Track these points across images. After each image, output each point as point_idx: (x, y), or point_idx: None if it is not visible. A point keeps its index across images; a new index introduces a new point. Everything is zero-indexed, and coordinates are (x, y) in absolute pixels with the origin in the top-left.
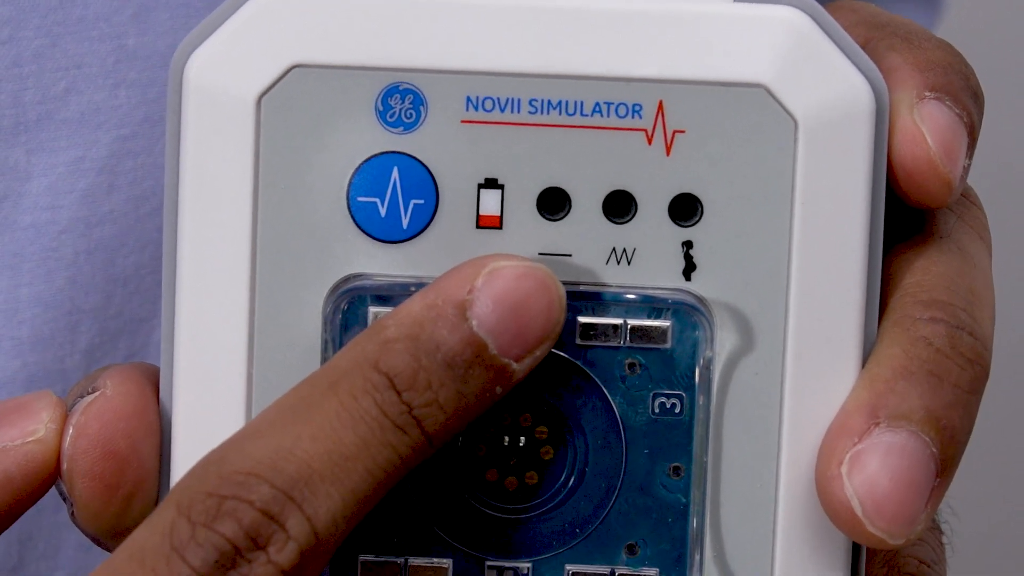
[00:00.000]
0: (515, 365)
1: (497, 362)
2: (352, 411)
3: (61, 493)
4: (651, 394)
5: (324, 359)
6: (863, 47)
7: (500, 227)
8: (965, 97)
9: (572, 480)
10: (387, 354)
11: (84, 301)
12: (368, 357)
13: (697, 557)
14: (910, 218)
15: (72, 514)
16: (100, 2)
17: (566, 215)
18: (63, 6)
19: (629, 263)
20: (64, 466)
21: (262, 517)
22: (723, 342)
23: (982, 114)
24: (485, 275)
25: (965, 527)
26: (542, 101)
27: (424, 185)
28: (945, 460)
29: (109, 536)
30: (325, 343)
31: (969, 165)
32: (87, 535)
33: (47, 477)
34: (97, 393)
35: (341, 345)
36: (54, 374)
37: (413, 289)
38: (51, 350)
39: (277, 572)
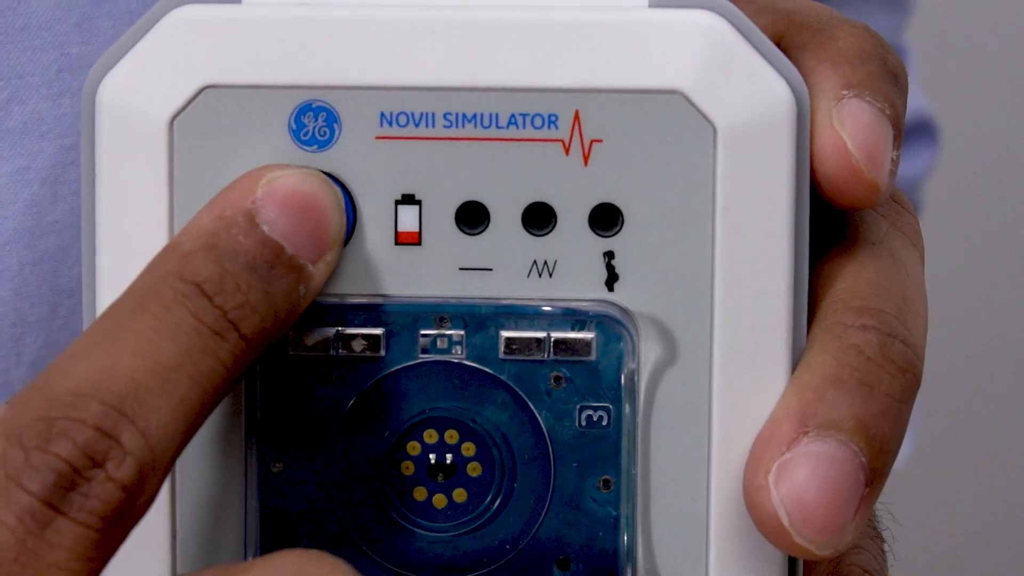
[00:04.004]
0: (311, 268)
1: (295, 262)
2: (167, 323)
3: None
4: (577, 407)
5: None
6: (776, 44)
7: (419, 243)
8: (885, 85)
9: (501, 496)
10: (190, 264)
11: (29, 313)
12: (170, 271)
13: (629, 571)
14: (841, 222)
15: None
16: (42, 11)
17: (485, 229)
18: (4, 15)
19: (551, 275)
20: None
21: (96, 434)
22: (648, 353)
23: (906, 95)
24: (263, 185)
25: (907, 534)
26: (457, 115)
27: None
28: (875, 470)
29: None
30: None
31: (898, 156)
32: None
33: None
34: None
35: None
36: (0, 387)
37: (331, 310)
38: None
39: (118, 488)
